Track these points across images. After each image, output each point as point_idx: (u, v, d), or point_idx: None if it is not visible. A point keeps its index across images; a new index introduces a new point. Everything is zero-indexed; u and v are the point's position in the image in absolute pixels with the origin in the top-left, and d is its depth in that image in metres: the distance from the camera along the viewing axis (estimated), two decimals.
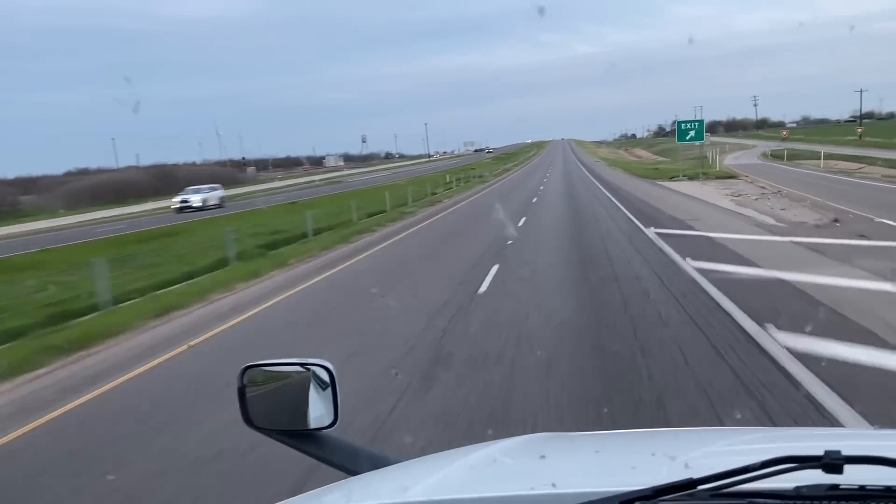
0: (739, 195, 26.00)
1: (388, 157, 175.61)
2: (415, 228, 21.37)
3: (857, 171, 38.96)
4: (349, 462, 1.63)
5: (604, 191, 32.86)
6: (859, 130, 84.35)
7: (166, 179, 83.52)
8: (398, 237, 19.20)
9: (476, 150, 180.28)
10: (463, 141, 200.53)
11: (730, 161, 59.96)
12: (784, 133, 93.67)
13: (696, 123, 38.16)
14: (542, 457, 1.49)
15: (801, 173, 42.27)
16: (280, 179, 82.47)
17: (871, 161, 44.15)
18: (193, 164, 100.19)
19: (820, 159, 54.55)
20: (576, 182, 43.21)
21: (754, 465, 1.06)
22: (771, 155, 70.71)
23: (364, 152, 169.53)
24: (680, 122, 38.62)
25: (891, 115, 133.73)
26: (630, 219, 19.09)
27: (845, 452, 1.06)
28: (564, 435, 1.92)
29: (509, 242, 15.47)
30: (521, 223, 19.50)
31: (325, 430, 1.65)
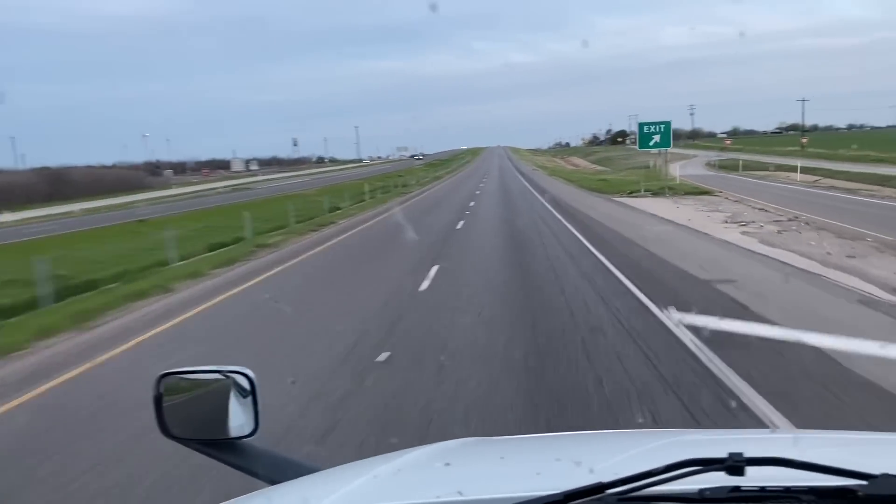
0: (745, 223, 18.42)
1: (320, 161, 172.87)
2: (231, 293, 11.68)
3: (862, 190, 31.93)
4: (270, 471, 1.59)
5: (554, 212, 24.91)
6: (804, 140, 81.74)
7: (57, 184, 74.15)
8: (171, 323, 9.54)
9: (412, 157, 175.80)
10: (396, 146, 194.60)
11: (675, 171, 54.79)
12: (727, 142, 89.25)
13: (662, 126, 30.78)
14: (448, 464, 1.52)
15: (781, 188, 35.60)
16: (176, 186, 72.18)
17: (863, 177, 37.61)
18: (89, 167, 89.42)
19: (774, 170, 49.14)
20: (516, 198, 35.33)
21: (661, 468, 1.07)
22: (719, 165, 65.49)
23: (296, 156, 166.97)
24: (642, 125, 31.20)
25: (815, 127, 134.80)
26: (614, 275, 10.96)
27: (748, 455, 1.08)
28: (469, 441, 1.89)
29: (382, 357, 7.03)
30: (425, 283, 11.19)
31: (245, 439, 1.61)
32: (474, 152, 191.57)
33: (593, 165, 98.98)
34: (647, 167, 76.62)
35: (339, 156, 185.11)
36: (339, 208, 30.32)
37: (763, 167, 53.88)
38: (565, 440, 1.97)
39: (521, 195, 36.45)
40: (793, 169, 46.88)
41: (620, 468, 1.12)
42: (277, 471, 1.58)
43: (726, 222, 18.98)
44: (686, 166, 61.34)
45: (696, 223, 18.74)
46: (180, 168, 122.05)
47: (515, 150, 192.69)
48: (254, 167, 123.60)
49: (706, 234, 16.46)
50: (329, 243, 18.62)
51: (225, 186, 70.30)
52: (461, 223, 22.00)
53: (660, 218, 20.66)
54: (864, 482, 1.04)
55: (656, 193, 30.68)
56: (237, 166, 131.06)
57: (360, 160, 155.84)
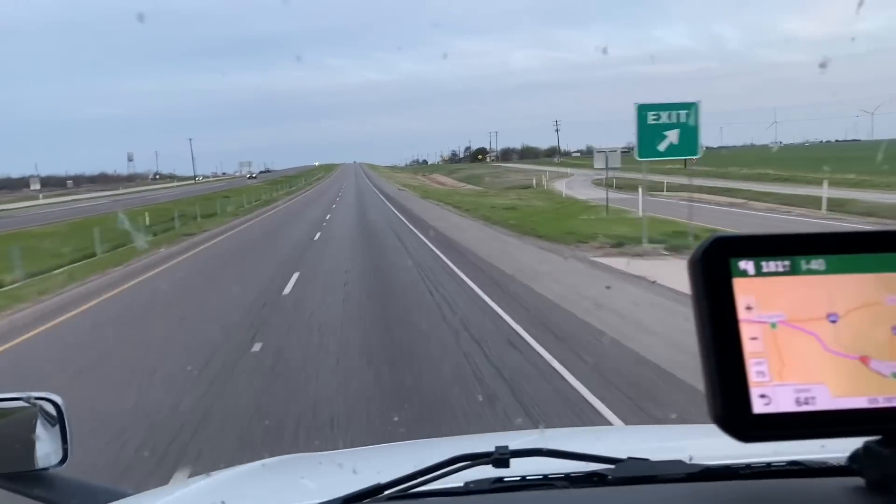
0: None
1: (157, 177, 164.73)
2: None
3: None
4: (82, 501, 1.55)
5: (486, 299, 8.56)
6: (694, 159, 72.64)
7: None
8: None
9: (261, 172, 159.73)
10: (239, 161, 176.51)
11: (565, 189, 44.36)
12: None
13: (686, 113, 15.17)
14: (263, 476, 1.60)
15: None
16: None
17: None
18: None
19: (696, 192, 36.18)
20: (386, 243, 18.65)
21: (433, 465, 1.14)
22: (616, 185, 52.36)
23: (131, 171, 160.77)
24: (645, 111, 15.36)
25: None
26: None
27: (513, 448, 1.17)
28: (287, 459, 1.92)
29: None
30: None
31: (53, 469, 1.52)
32: (328, 168, 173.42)
33: (462, 184, 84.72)
34: (531, 186, 63.22)
35: (183, 171, 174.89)
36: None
37: (659, 187, 42.41)
38: (372, 452, 2.02)
39: (397, 246, 19.54)
40: (713, 190, 37.90)
41: (401, 470, 1.16)
42: (89, 500, 1.56)
43: None
44: (572, 185, 52.18)
45: None
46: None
47: (373, 167, 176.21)
48: (35, 186, 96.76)
49: None
50: None
51: None
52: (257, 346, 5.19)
53: None
54: (612, 466, 1.15)
55: (675, 249, 14.95)
56: (36, 185, 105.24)
57: (195, 178, 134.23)
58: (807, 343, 0.79)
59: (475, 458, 1.16)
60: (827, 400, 0.78)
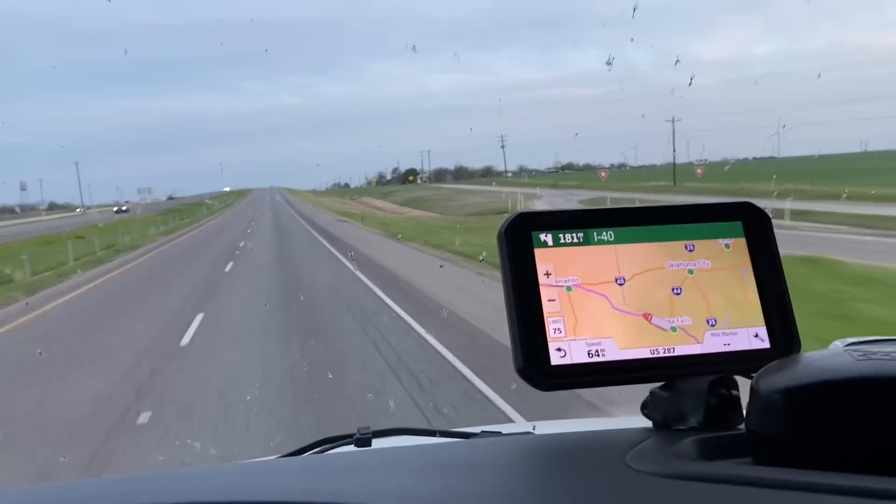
0: None
1: (52, 207, 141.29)
2: None
3: None
4: None
5: None
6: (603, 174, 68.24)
7: None
8: None
9: (169, 198, 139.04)
10: (137, 188, 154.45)
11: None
12: (603, 175, 64.08)
13: None
14: None
15: None
16: None
17: None
18: None
19: None
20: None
21: (296, 450, 1.22)
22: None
23: (24, 200, 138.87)
24: None
25: (588, 166, 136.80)
26: None
27: (376, 429, 1.26)
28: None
29: None
30: None
31: None
32: (241, 194, 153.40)
33: (405, 209, 68.44)
34: (506, 211, 49.89)
35: (90, 200, 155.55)
36: None
37: None
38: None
39: None
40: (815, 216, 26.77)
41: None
42: None
43: None
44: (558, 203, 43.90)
45: None
46: None
47: (294, 192, 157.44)
48: None
49: None
50: None
51: None
52: None
53: None
54: (465, 440, 1.21)
55: None
56: None
57: (79, 209, 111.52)
58: (597, 303, 0.90)
59: (337, 440, 1.24)
60: (615, 352, 0.89)
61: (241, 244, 26.33)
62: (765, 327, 0.93)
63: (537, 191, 69.76)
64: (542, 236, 0.90)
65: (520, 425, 2.02)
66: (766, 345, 0.93)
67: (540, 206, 43.39)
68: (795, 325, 0.94)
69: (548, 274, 0.89)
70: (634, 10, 6.43)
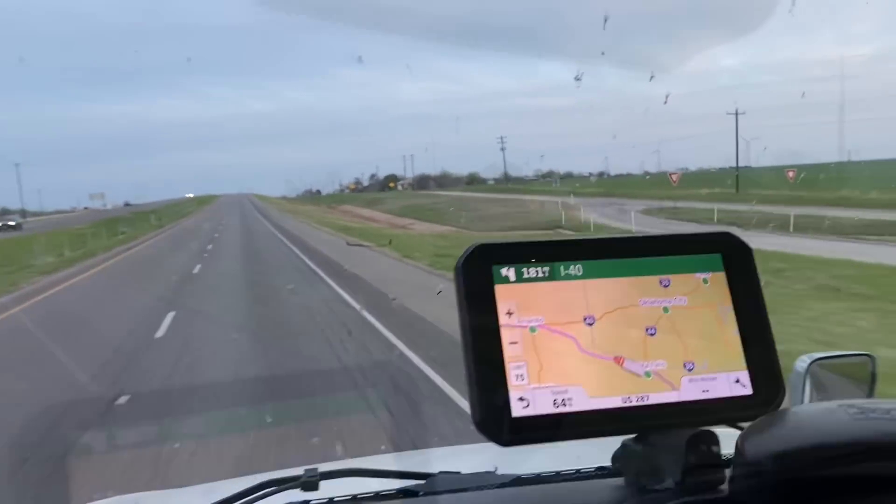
0: None
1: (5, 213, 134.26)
2: None
3: None
4: None
5: None
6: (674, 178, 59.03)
7: None
8: None
9: (125, 205, 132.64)
10: (89, 193, 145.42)
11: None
12: (674, 180, 52.21)
13: None
14: None
15: None
16: None
17: None
18: None
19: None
20: None
21: (239, 493, 1.11)
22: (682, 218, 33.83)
23: None
24: None
25: (569, 174, 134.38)
26: None
27: (323, 471, 1.13)
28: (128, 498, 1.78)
29: None
30: None
31: None
32: (203, 201, 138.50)
33: (405, 220, 54.89)
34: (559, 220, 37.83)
35: (49, 206, 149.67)
36: None
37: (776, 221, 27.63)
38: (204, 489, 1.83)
39: None
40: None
41: (216, 497, 1.14)
42: None
43: None
44: (618, 217, 35.58)
45: None
46: None
47: (264, 198, 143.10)
48: None
49: None
50: None
51: None
52: None
53: None
54: (422, 482, 1.13)
55: None
56: None
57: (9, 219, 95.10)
58: (564, 345, 0.80)
59: (282, 483, 1.14)
60: (584, 401, 0.79)
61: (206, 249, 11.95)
62: (746, 371, 0.84)
63: (571, 199, 57.03)
64: (504, 271, 0.81)
65: (478, 456, 1.60)
66: (749, 391, 0.84)
67: (587, 215, 36.14)
68: (780, 369, 0.85)
69: (510, 313, 0.80)
70: None
